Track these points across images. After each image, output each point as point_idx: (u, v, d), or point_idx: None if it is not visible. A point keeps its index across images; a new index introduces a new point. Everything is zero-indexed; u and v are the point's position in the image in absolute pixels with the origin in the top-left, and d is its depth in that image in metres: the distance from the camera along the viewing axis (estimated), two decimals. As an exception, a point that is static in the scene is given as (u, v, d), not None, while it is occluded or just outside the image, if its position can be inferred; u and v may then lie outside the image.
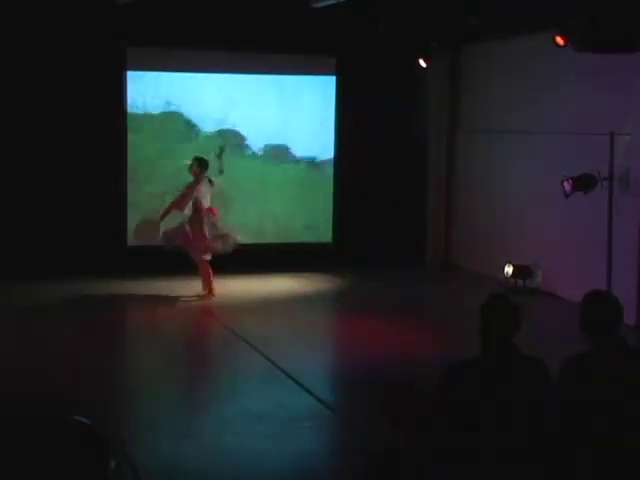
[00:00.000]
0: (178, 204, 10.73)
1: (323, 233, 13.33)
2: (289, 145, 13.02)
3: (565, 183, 9.93)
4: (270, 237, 13.08)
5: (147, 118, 12.45)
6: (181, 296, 10.96)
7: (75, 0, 11.50)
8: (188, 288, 11.18)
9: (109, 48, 11.94)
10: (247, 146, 12.89)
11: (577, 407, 4.09)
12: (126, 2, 10.79)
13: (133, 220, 12.25)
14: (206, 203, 10.78)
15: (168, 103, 12.51)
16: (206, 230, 10.69)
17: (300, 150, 13.07)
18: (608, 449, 4.02)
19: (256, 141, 12.88)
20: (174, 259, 11.30)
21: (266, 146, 12.96)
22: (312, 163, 13.20)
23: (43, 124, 11.81)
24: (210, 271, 10.85)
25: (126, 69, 12.25)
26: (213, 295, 10.83)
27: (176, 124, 12.56)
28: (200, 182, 10.76)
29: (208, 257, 10.83)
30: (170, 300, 10.87)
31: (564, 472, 4.05)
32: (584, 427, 4.05)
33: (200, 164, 10.85)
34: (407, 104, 13.44)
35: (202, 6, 11.77)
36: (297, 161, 13.13)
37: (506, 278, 11.34)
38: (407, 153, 13.51)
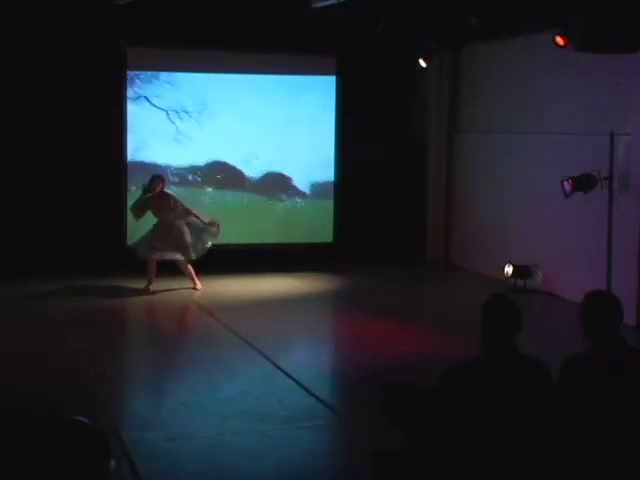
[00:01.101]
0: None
1: (323, 233, 13.33)
2: (288, 145, 13.00)
3: (565, 183, 9.92)
4: (270, 237, 13.08)
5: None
6: (181, 291, 11.01)
7: (75, 0, 11.50)
8: (188, 288, 11.24)
9: (109, 48, 11.94)
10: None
11: (577, 407, 4.09)
12: (126, 2, 10.79)
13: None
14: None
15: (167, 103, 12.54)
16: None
17: (299, 149, 13.06)
18: (608, 449, 4.02)
19: (254, 141, 12.86)
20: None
21: (264, 145, 12.94)
22: (311, 162, 13.17)
23: (42, 124, 11.82)
24: None
25: (126, 69, 12.26)
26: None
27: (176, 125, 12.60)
28: None
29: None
30: (170, 300, 10.88)
31: (564, 472, 4.05)
32: (584, 427, 4.05)
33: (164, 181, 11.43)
34: (407, 104, 13.45)
35: (202, 6, 11.77)
36: (296, 160, 13.11)
37: (506, 278, 11.34)
38: (407, 153, 13.51)
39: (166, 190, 11.33)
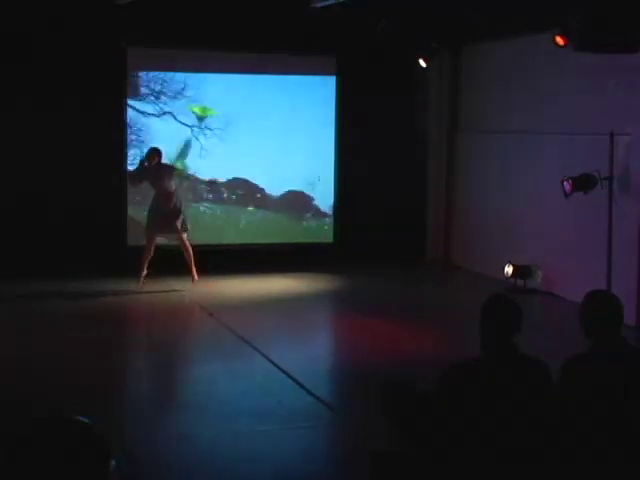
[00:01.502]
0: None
1: (323, 233, 13.33)
2: (288, 145, 12.99)
3: (565, 183, 9.92)
4: (270, 237, 13.08)
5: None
6: (182, 291, 11.02)
7: (76, 0, 11.49)
8: (188, 287, 11.25)
9: (110, 48, 11.94)
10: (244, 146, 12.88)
11: (577, 407, 4.09)
12: (126, 1, 10.78)
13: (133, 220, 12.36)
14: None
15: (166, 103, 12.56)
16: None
17: (299, 150, 13.05)
18: (608, 449, 4.02)
19: (254, 141, 12.83)
20: (173, 258, 11.32)
21: (263, 146, 12.92)
22: (311, 162, 13.16)
23: (42, 124, 11.81)
24: None
25: (126, 69, 12.26)
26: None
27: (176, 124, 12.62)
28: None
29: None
30: (170, 300, 10.87)
31: (563, 472, 4.04)
32: (584, 427, 4.04)
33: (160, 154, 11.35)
34: (407, 104, 13.45)
35: (202, 6, 11.76)
36: (296, 160, 13.09)
37: (506, 278, 11.34)
38: (407, 153, 13.51)
39: (164, 162, 11.41)
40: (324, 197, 13.28)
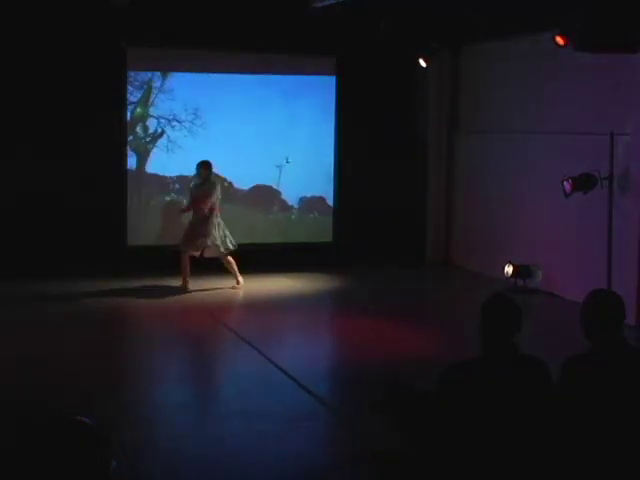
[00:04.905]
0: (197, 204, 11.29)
1: (323, 233, 13.32)
2: (288, 146, 12.98)
3: (565, 183, 9.93)
4: (270, 237, 13.08)
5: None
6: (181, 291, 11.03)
7: (75, 1, 11.49)
8: (189, 287, 11.25)
9: (109, 48, 11.94)
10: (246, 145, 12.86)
11: (577, 407, 4.09)
12: (123, 5, 10.77)
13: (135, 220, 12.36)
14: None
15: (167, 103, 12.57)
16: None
17: (299, 150, 13.04)
18: (608, 449, 4.02)
19: (255, 141, 12.82)
20: (174, 259, 11.31)
21: (264, 146, 12.91)
22: (311, 163, 13.16)
23: (42, 124, 11.81)
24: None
25: (127, 69, 12.26)
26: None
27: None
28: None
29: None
30: (170, 300, 10.87)
31: (563, 472, 4.04)
32: (584, 427, 4.04)
33: (208, 166, 11.28)
34: (407, 104, 13.45)
35: (202, 6, 11.77)
36: (296, 160, 13.09)
37: (506, 278, 11.34)
38: (407, 153, 13.51)
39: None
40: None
